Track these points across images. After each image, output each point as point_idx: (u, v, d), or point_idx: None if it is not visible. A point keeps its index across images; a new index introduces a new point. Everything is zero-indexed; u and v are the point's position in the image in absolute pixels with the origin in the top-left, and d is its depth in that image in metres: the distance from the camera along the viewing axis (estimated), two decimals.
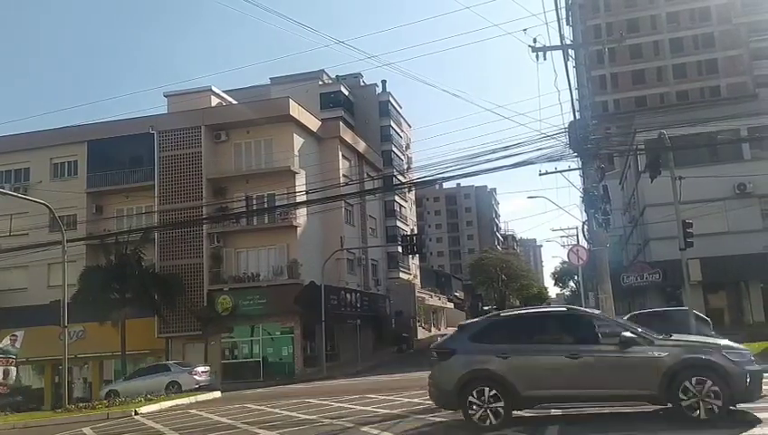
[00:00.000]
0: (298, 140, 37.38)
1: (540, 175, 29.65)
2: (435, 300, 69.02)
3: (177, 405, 20.83)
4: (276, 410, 15.73)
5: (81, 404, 22.41)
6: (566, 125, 19.79)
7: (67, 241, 24.23)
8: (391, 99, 64.19)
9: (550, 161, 20.51)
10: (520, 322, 10.64)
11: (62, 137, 38.66)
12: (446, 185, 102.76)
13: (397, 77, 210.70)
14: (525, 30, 20.50)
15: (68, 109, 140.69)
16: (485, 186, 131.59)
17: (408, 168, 60.85)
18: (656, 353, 9.11)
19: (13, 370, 21.32)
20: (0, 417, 21.18)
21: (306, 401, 17.13)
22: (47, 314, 28.43)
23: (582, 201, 22.50)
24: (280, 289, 34.28)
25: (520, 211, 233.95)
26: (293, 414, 14.43)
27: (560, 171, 27.98)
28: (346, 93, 62.51)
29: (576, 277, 33.75)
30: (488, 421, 9.56)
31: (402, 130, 66.56)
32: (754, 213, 30.05)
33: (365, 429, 10.96)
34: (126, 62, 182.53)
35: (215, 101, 39.92)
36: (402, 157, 64.04)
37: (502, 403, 9.55)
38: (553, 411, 10.38)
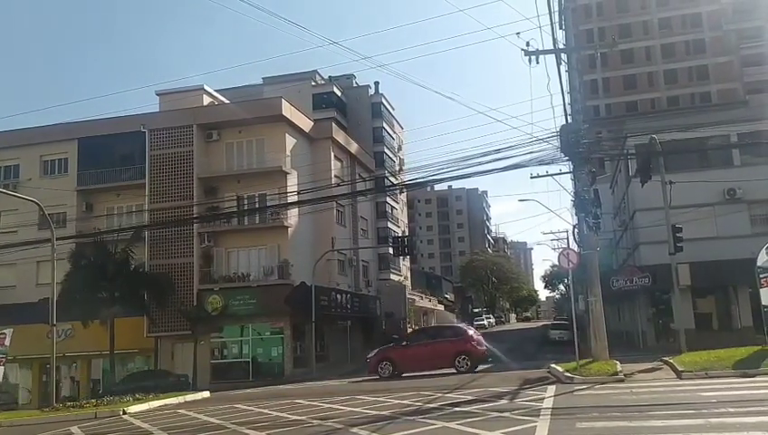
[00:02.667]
0: (290, 141, 37.33)
1: (531, 178, 29.84)
2: (425, 302, 69.02)
3: (165, 405, 20.72)
4: (266, 411, 15.69)
5: (68, 403, 22.24)
6: (558, 129, 19.90)
7: (56, 239, 24.07)
8: (384, 100, 64.22)
9: (541, 165, 20.67)
10: None
11: (53, 134, 38.46)
12: (437, 187, 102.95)
13: (390, 79, 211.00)
14: (519, 33, 20.52)
15: (58, 106, 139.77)
16: (477, 188, 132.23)
17: (400, 169, 60.93)
18: None
19: (1, 369, 21.11)
20: None
21: (296, 402, 17.08)
22: (36, 312, 28.33)
23: (573, 205, 22.66)
24: (270, 289, 34.20)
25: (511, 214, 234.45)
26: (283, 415, 14.39)
27: (551, 175, 27.94)
28: (339, 94, 62.51)
29: (566, 280, 33.96)
30: None
31: (394, 132, 66.60)
32: (744, 218, 30.22)
33: (354, 430, 10.94)
34: (117, 61, 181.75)
35: (206, 100, 39.80)
36: (394, 158, 64.10)
37: None
38: None
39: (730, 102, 56.31)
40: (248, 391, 25.59)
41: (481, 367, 23.46)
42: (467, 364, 22.68)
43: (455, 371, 22.76)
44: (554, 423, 9.86)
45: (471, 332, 24.42)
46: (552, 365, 19.69)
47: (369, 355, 25.58)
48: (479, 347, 23.02)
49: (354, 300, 43.71)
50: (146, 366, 35.03)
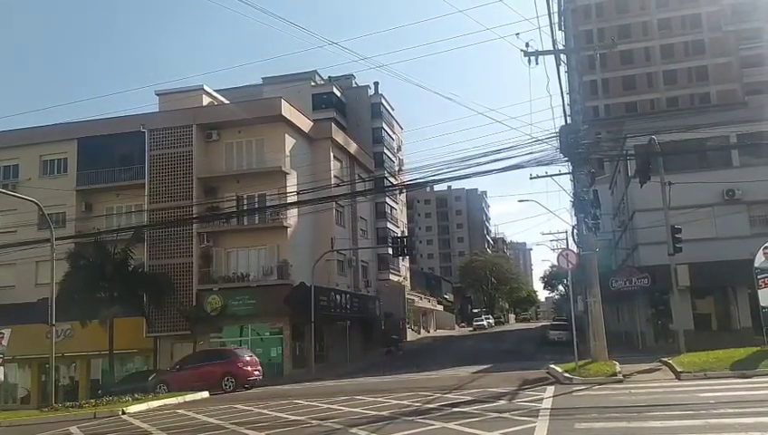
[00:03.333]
0: (290, 141, 37.32)
1: (531, 178, 29.72)
2: (424, 302, 69.06)
3: (164, 405, 20.73)
4: (265, 411, 15.69)
5: (68, 403, 22.24)
6: (557, 129, 19.92)
7: (56, 239, 24.06)
8: (383, 100, 64.23)
9: (540, 165, 20.69)
10: None
11: (52, 134, 38.44)
12: (436, 187, 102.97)
13: (390, 79, 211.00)
14: (518, 34, 20.56)
15: (58, 106, 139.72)
16: (476, 189, 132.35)
17: (400, 169, 60.95)
18: None
19: (0, 369, 21.14)
20: None
21: (295, 402, 17.09)
22: (35, 312, 28.30)
23: (572, 205, 22.66)
24: (270, 289, 34.20)
25: (510, 214, 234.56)
26: (282, 415, 14.39)
27: (550, 175, 27.86)
28: (338, 94, 62.52)
29: (565, 281, 34.08)
30: None
31: (394, 132, 66.62)
32: (743, 219, 30.25)
33: (353, 430, 10.95)
34: (117, 61, 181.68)
35: (206, 101, 39.79)
36: (394, 159, 64.13)
37: None
38: None
39: (729, 103, 56.44)
40: (247, 391, 25.59)
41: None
42: (233, 384, 24.89)
43: (222, 391, 24.58)
44: (553, 424, 9.88)
45: (243, 355, 26.33)
46: (551, 366, 19.72)
47: (150, 377, 27.73)
48: (245, 369, 25.22)
49: (353, 300, 43.71)
50: (145, 366, 34.99)
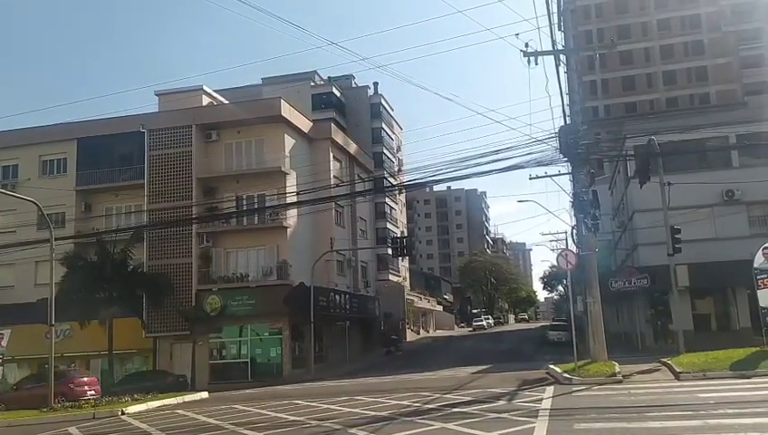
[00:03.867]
0: (289, 141, 37.30)
1: (530, 179, 29.72)
2: (424, 302, 69.02)
3: (164, 405, 20.75)
4: (264, 412, 15.70)
5: (67, 403, 22.26)
6: (557, 130, 19.93)
7: (55, 239, 24.05)
8: (383, 101, 64.18)
9: (540, 166, 20.68)
10: None
11: (52, 134, 38.41)
12: (436, 187, 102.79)
13: (390, 79, 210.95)
14: (518, 35, 20.57)
15: (58, 106, 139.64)
16: (476, 189, 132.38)
17: (399, 170, 60.89)
18: None
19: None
20: None
21: (294, 403, 17.09)
22: (34, 312, 28.30)
23: (572, 206, 22.67)
24: (269, 290, 34.17)
25: (510, 215, 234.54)
26: (281, 415, 14.40)
27: (550, 176, 27.90)
28: (338, 95, 62.48)
29: (565, 281, 34.02)
30: None
31: (393, 132, 66.59)
32: (742, 220, 30.28)
33: (353, 431, 10.97)
34: (117, 61, 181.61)
35: (206, 101, 39.75)
36: (393, 159, 64.09)
37: None
38: None
39: (729, 104, 56.46)
40: (247, 391, 25.60)
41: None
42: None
43: None
44: (552, 424, 9.89)
45: (76, 377, 26.98)
46: (551, 366, 19.74)
47: None
48: (76, 389, 26.00)
49: (353, 300, 43.68)
50: (144, 366, 34.98)
